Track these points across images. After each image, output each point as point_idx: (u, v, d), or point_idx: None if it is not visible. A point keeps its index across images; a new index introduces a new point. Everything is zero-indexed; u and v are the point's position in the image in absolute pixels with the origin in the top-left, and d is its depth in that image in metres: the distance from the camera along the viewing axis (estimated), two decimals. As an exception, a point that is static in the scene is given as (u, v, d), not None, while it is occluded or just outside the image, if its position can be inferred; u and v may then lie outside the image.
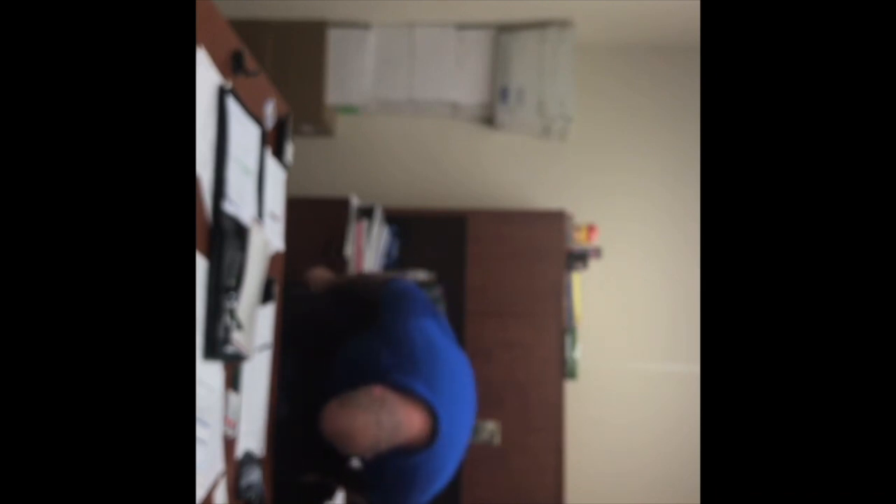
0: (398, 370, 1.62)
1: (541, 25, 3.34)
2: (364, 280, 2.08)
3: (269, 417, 1.69)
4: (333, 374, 1.76)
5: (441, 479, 1.67)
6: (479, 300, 2.96)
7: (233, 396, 1.47)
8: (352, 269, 2.85)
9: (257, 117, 1.59)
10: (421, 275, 2.75)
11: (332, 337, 1.87)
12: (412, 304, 1.79)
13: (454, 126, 3.55)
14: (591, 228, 3.15)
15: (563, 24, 3.34)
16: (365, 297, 1.94)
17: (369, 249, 2.95)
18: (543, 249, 3.00)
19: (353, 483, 2.00)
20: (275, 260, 1.71)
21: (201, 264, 1.33)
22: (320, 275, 2.05)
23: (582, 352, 3.16)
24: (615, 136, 3.51)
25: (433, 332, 1.72)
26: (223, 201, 1.40)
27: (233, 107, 1.45)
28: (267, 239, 1.62)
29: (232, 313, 1.39)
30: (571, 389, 3.13)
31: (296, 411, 1.79)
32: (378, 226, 3.01)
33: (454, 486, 2.78)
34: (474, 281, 2.98)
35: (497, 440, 2.86)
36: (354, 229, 2.91)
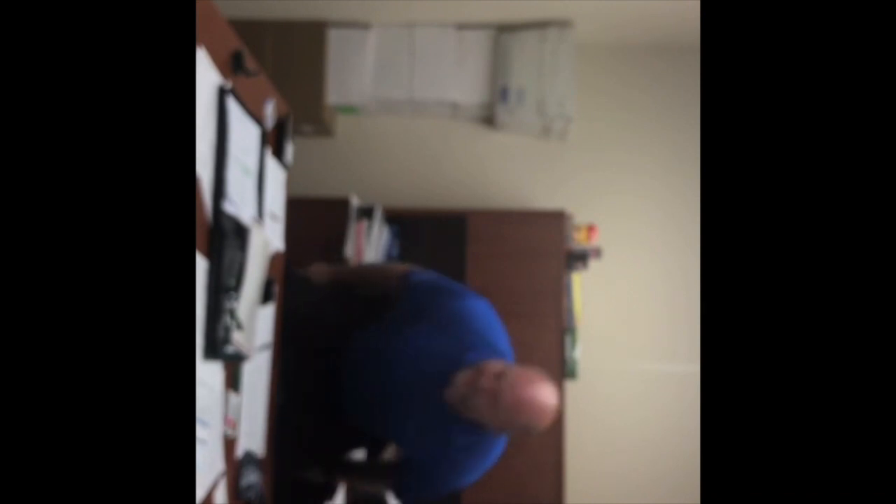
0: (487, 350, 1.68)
1: (541, 25, 3.34)
2: (366, 273, 2.08)
3: (269, 417, 1.69)
4: (393, 372, 1.72)
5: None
6: (479, 300, 2.96)
7: (233, 396, 1.47)
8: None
9: (257, 117, 1.59)
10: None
11: (334, 333, 1.88)
12: (448, 289, 1.82)
13: (454, 126, 3.55)
14: (591, 228, 3.15)
15: (563, 24, 3.34)
16: (370, 293, 1.96)
17: (369, 249, 2.95)
18: (543, 249, 3.00)
19: (361, 473, 2.03)
20: (275, 260, 1.71)
21: (201, 264, 1.33)
22: (320, 269, 2.03)
23: (582, 352, 3.16)
24: (615, 136, 3.51)
25: (480, 307, 1.78)
26: (223, 201, 1.40)
27: (233, 107, 1.45)
28: (267, 239, 1.62)
29: (232, 313, 1.39)
30: (571, 389, 3.13)
31: (293, 401, 1.80)
32: (378, 226, 3.01)
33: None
34: (474, 281, 2.98)
35: (497, 440, 2.86)
36: (354, 229, 2.91)
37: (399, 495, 1.88)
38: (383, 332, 1.81)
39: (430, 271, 1.89)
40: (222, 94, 1.42)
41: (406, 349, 1.73)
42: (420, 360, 1.70)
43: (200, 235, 1.33)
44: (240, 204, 1.47)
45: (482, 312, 1.77)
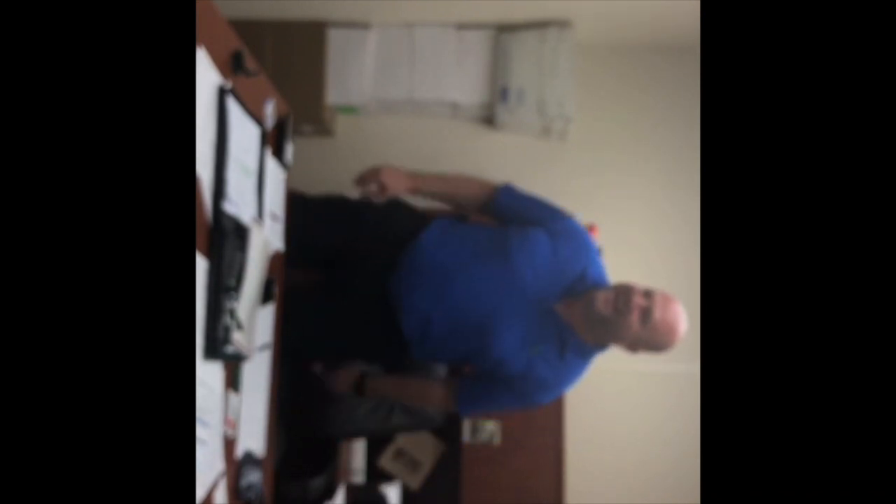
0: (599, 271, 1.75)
1: (541, 25, 3.34)
2: (455, 183, 1.94)
3: (269, 417, 1.69)
4: (506, 276, 1.68)
5: None
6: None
7: (233, 396, 1.47)
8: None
9: (257, 117, 1.59)
10: None
11: (398, 242, 1.80)
12: (552, 205, 1.85)
13: (454, 126, 3.55)
14: (591, 228, 3.15)
15: (563, 24, 3.34)
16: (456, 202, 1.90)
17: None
18: (543, 249, 2.99)
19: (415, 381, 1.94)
20: (275, 260, 1.71)
21: (201, 264, 1.33)
22: (397, 176, 1.84)
23: (582, 352, 3.16)
24: (615, 137, 3.50)
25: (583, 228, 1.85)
26: (223, 201, 1.40)
27: (233, 107, 1.45)
28: (267, 239, 1.62)
29: (232, 313, 1.39)
30: (571, 390, 3.13)
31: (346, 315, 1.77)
32: (378, 226, 3.00)
33: (454, 485, 2.79)
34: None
35: (497, 440, 2.86)
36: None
37: (461, 403, 1.82)
38: (486, 235, 1.77)
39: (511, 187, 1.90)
40: (222, 94, 1.42)
41: (524, 256, 1.70)
42: (541, 268, 1.69)
43: (200, 235, 1.33)
44: (240, 204, 1.47)
45: (587, 233, 1.82)
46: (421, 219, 1.88)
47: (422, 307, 1.73)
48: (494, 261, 1.71)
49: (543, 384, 1.74)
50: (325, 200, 1.94)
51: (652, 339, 1.66)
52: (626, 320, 1.63)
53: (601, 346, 1.75)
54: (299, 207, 1.78)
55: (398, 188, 1.84)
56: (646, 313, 1.62)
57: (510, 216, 1.81)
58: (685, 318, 1.67)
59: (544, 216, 1.79)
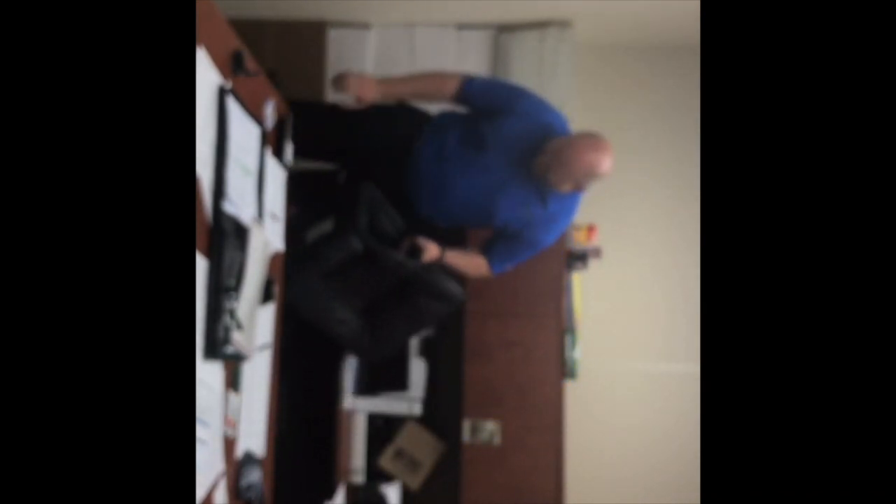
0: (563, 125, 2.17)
1: (541, 25, 3.34)
2: (421, 85, 2.25)
3: (269, 417, 1.69)
4: (488, 160, 2.09)
5: None
6: (479, 300, 2.95)
7: (233, 396, 1.48)
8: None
9: (257, 117, 1.60)
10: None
11: (394, 147, 2.16)
12: (510, 85, 2.26)
13: (454, 126, 3.55)
14: (591, 228, 3.15)
15: (563, 24, 3.34)
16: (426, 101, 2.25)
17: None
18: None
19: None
20: (275, 260, 1.71)
21: (201, 264, 1.33)
22: (366, 84, 2.06)
23: (582, 352, 3.16)
24: (615, 136, 3.47)
25: (539, 98, 2.22)
26: (223, 201, 1.40)
27: (233, 107, 1.46)
28: (267, 239, 1.62)
29: (232, 313, 1.39)
30: (571, 389, 3.13)
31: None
32: (378, 226, 3.00)
33: (454, 485, 2.79)
34: (474, 281, 2.98)
35: (497, 440, 2.86)
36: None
37: (494, 264, 2.29)
38: (464, 129, 2.14)
39: (478, 77, 2.26)
40: (222, 94, 1.42)
41: (498, 141, 2.09)
42: (512, 146, 2.10)
43: (200, 235, 1.33)
44: (240, 204, 1.47)
45: (541, 102, 2.22)
46: (416, 123, 2.23)
47: (428, 209, 2.21)
48: (477, 158, 2.10)
49: (544, 228, 2.19)
50: (335, 106, 2.23)
51: (583, 182, 2.09)
52: (554, 179, 2.07)
53: (570, 188, 2.14)
54: (309, 111, 2.06)
55: (370, 96, 2.08)
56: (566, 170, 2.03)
57: (479, 104, 2.16)
58: (601, 152, 2.09)
59: (506, 99, 2.15)
